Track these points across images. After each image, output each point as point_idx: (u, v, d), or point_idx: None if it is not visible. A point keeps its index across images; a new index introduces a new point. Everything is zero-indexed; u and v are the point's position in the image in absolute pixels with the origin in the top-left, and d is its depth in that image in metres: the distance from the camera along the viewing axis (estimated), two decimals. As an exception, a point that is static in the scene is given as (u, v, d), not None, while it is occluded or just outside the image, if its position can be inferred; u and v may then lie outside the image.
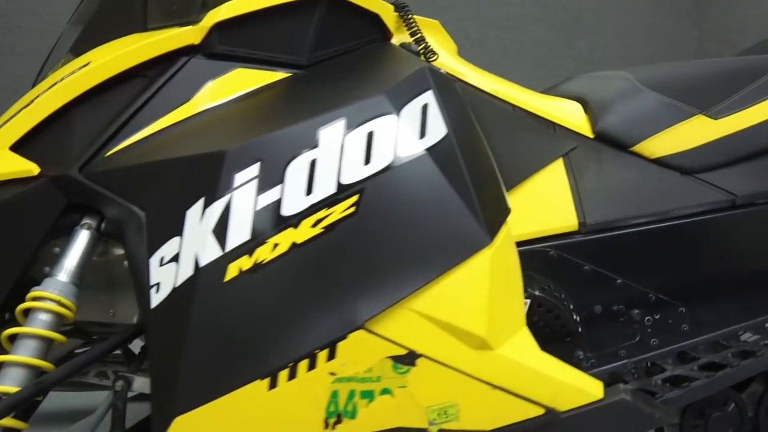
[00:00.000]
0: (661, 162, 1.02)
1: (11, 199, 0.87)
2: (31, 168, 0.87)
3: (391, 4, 0.98)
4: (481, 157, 0.82)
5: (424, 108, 0.79)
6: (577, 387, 0.78)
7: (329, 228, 0.74)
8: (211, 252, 0.75)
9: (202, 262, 0.75)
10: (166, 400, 0.75)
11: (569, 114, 1.06)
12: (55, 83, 0.92)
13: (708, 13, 2.35)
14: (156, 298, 0.77)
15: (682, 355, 1.01)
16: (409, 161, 0.76)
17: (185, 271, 0.76)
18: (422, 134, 0.78)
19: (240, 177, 0.76)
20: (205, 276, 0.74)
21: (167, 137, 0.85)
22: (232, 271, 0.74)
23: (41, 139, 0.90)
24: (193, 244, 0.76)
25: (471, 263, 0.75)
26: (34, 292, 0.84)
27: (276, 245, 0.74)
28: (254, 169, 0.76)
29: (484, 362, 0.75)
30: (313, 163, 0.76)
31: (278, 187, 0.75)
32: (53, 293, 0.84)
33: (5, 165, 0.88)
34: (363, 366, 0.72)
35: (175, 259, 0.77)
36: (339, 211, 0.74)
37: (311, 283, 0.73)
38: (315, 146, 0.76)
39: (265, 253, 0.74)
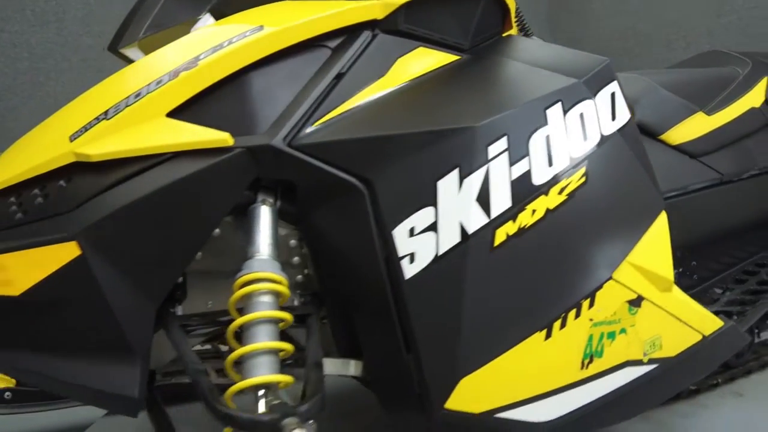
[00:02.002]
0: (678, 148, 1.31)
1: (204, 170, 0.77)
2: (225, 138, 0.79)
3: None
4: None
5: (613, 95, 0.93)
6: (709, 316, 1.00)
7: (571, 195, 0.85)
8: (477, 219, 0.80)
9: (471, 229, 0.79)
10: (445, 364, 0.78)
11: (612, 107, 1.29)
12: (220, 45, 0.83)
13: (558, 25, 2.84)
14: (411, 269, 0.79)
15: (700, 297, 1.32)
16: (610, 139, 0.91)
17: (449, 238, 0.79)
18: (613, 117, 0.93)
19: (493, 149, 0.82)
20: (476, 242, 0.79)
21: (378, 110, 0.85)
22: (500, 236, 0.80)
23: (212, 106, 0.82)
24: (455, 213, 0.80)
25: (658, 222, 0.93)
26: (246, 276, 0.78)
27: (534, 211, 0.82)
28: (503, 143, 0.82)
29: (671, 300, 0.93)
30: (547, 138, 0.85)
31: (526, 159, 0.83)
32: (270, 272, 0.78)
33: (192, 134, 0.79)
34: (611, 311, 0.85)
35: (432, 228, 0.79)
36: (575, 180, 0.86)
37: (568, 242, 0.83)
38: (546, 123, 0.86)
39: (526, 219, 0.82)
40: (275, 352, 0.75)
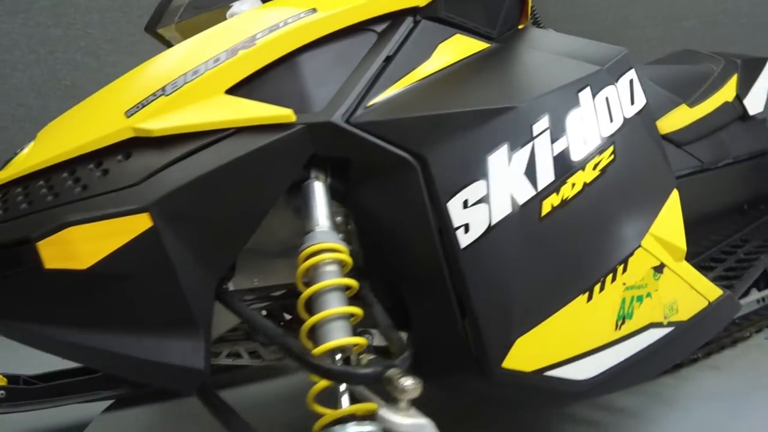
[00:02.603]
0: (665, 137, 1.42)
1: (268, 145, 0.79)
2: (288, 114, 0.81)
3: None
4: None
5: (631, 82, 1.02)
6: (711, 285, 1.10)
7: (603, 170, 0.92)
8: (526, 192, 0.86)
9: (520, 201, 0.85)
10: (502, 326, 0.83)
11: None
12: (275, 26, 0.86)
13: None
14: (466, 238, 0.84)
15: None
16: (631, 122, 0.99)
17: (501, 210, 0.85)
18: (632, 102, 1.01)
19: (536, 128, 0.88)
20: (525, 212, 0.85)
21: (427, 91, 0.90)
22: (546, 207, 0.87)
23: (269, 84, 0.84)
24: (506, 186, 0.85)
25: (672, 197, 1.02)
26: (311, 248, 0.81)
27: (573, 185, 0.89)
28: (545, 121, 0.89)
29: (683, 269, 1.02)
30: (581, 119, 0.93)
31: (564, 137, 0.90)
32: (333, 243, 0.81)
33: (255, 110, 0.81)
34: (639, 276, 0.93)
35: (485, 200, 0.85)
36: (606, 157, 0.93)
37: (603, 213, 0.91)
38: (579, 105, 0.93)
39: (567, 191, 0.88)
40: (347, 316, 0.78)
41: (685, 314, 1.02)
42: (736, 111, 1.57)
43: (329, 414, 0.71)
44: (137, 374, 0.84)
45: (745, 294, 1.68)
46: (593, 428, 1.30)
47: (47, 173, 0.81)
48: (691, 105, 1.47)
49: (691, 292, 1.03)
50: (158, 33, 1.03)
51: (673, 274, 0.99)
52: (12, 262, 0.74)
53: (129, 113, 0.80)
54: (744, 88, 1.60)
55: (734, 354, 1.66)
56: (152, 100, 0.80)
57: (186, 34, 1.02)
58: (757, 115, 1.66)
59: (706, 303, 1.07)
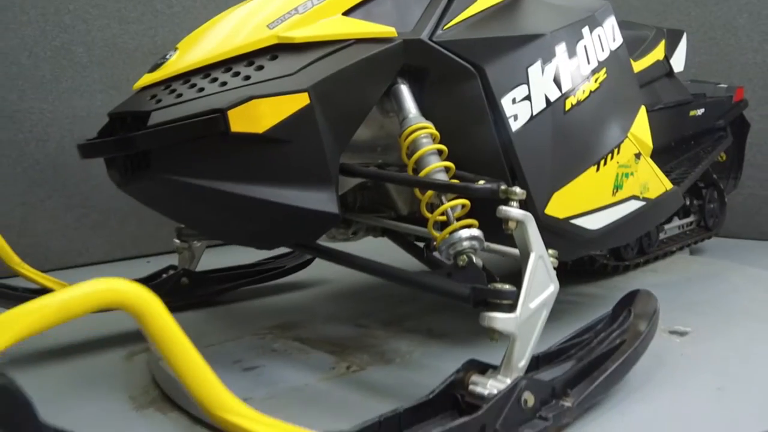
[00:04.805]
0: None
1: (380, 53, 1.09)
2: (392, 30, 1.11)
3: None
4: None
5: (613, 26, 1.40)
6: (666, 180, 1.51)
7: (601, 84, 1.29)
8: (555, 92, 1.21)
9: (552, 99, 1.20)
10: (544, 185, 1.18)
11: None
12: None
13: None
14: (516, 125, 1.18)
15: None
16: (614, 53, 1.37)
17: (538, 104, 1.19)
18: (613, 39, 1.39)
19: (559, 50, 1.24)
20: (555, 107, 1.20)
21: (481, 22, 1.22)
22: (568, 104, 1.22)
23: (372, 9, 1.14)
24: (541, 88, 1.20)
25: (641, 109, 1.41)
26: (411, 128, 1.11)
27: (584, 90, 1.25)
28: (563, 46, 1.25)
29: (651, 162, 1.41)
30: (585, 47, 1.29)
31: (576, 58, 1.26)
32: (424, 122, 1.12)
33: (367, 27, 1.10)
34: (627, 158, 1.30)
35: (527, 98, 1.19)
36: (602, 75, 1.30)
37: (603, 112, 1.28)
38: (582, 38, 1.30)
39: (580, 95, 1.24)
40: (446, 169, 1.09)
41: (652, 194, 1.42)
42: (664, 68, 2.02)
43: (446, 230, 1.02)
44: (285, 223, 1.09)
45: (669, 221, 2.15)
46: (573, 306, 1.68)
47: (205, 70, 1.05)
48: (636, 59, 1.89)
49: (655, 178, 1.43)
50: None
51: (645, 162, 1.38)
52: (205, 127, 0.98)
53: (271, 26, 1.07)
54: (670, 51, 2.05)
55: (666, 263, 2.14)
56: (288, 17, 1.07)
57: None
58: (678, 73, 2.13)
59: (664, 189, 1.47)
